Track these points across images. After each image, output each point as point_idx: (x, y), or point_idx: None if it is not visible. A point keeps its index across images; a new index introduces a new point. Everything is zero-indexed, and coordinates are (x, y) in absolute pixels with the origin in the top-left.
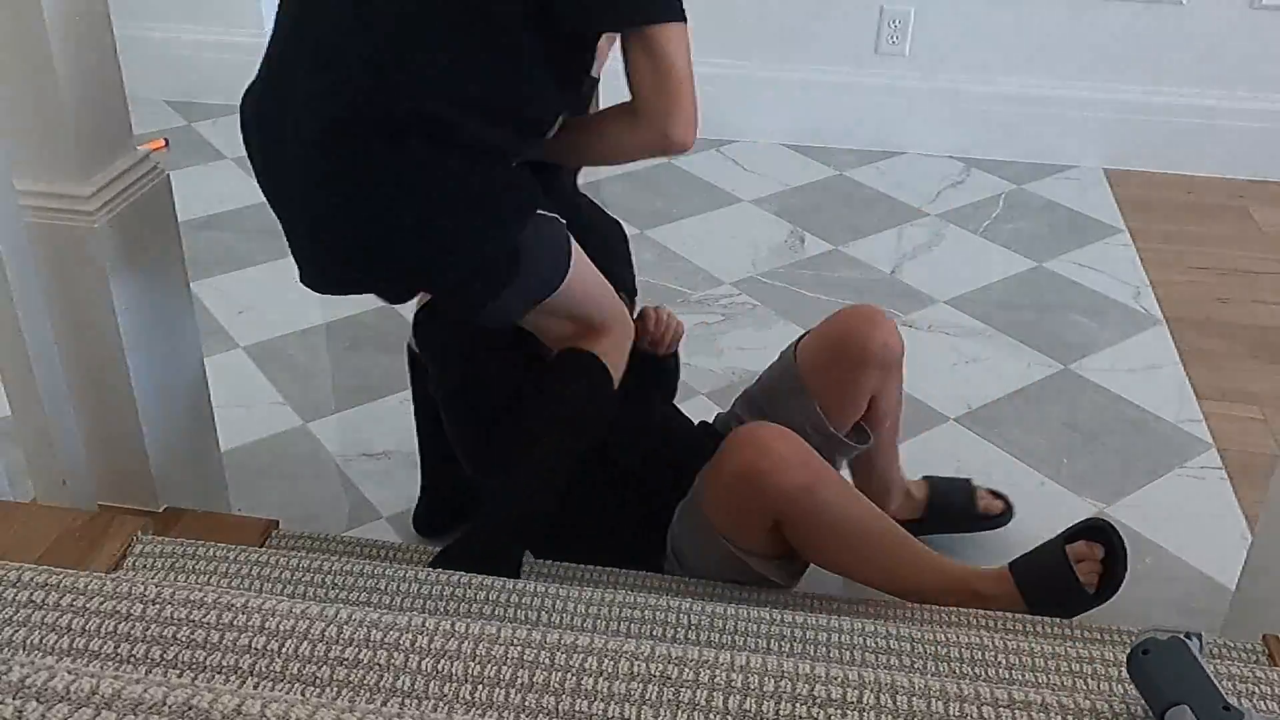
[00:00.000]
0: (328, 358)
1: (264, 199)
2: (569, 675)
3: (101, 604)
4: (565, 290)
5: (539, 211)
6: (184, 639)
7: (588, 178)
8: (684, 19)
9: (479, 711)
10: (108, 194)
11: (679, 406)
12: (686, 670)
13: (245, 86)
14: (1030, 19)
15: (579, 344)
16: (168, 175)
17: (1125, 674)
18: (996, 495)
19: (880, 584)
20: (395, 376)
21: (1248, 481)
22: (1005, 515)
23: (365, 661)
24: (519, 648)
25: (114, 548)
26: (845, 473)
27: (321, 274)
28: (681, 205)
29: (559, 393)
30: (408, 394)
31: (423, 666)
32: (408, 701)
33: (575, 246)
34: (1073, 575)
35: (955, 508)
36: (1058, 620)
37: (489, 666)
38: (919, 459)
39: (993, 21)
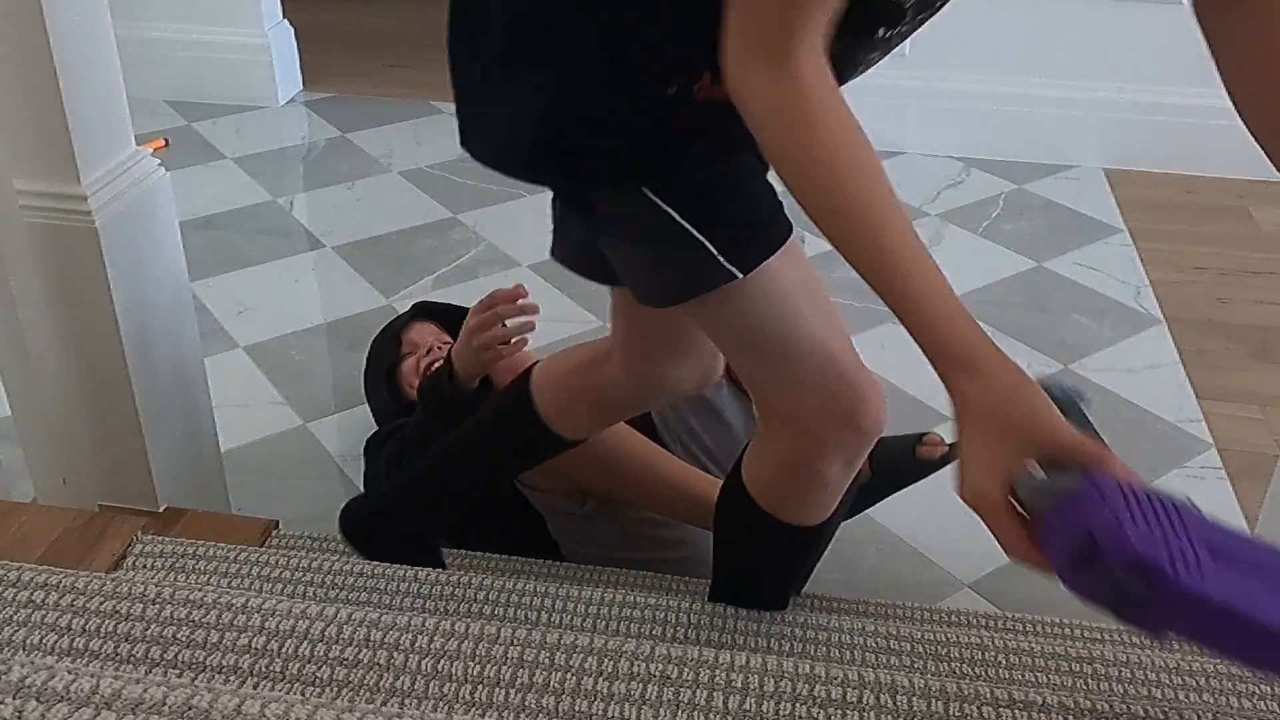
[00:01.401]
0: (328, 358)
1: (265, 198)
2: (569, 675)
3: (101, 604)
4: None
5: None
6: (184, 639)
7: None
8: None
9: (479, 711)
10: (108, 193)
11: None
12: (686, 670)
13: (245, 87)
14: (1031, 19)
15: (754, 463)
16: (168, 174)
17: (1125, 674)
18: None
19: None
20: None
21: (1248, 481)
22: (949, 455)
23: (365, 661)
24: (519, 648)
25: (114, 548)
26: None
27: None
28: None
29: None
30: None
31: (423, 666)
32: (408, 701)
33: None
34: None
35: (898, 458)
36: (1057, 620)
37: (489, 666)
38: None
39: (993, 21)
